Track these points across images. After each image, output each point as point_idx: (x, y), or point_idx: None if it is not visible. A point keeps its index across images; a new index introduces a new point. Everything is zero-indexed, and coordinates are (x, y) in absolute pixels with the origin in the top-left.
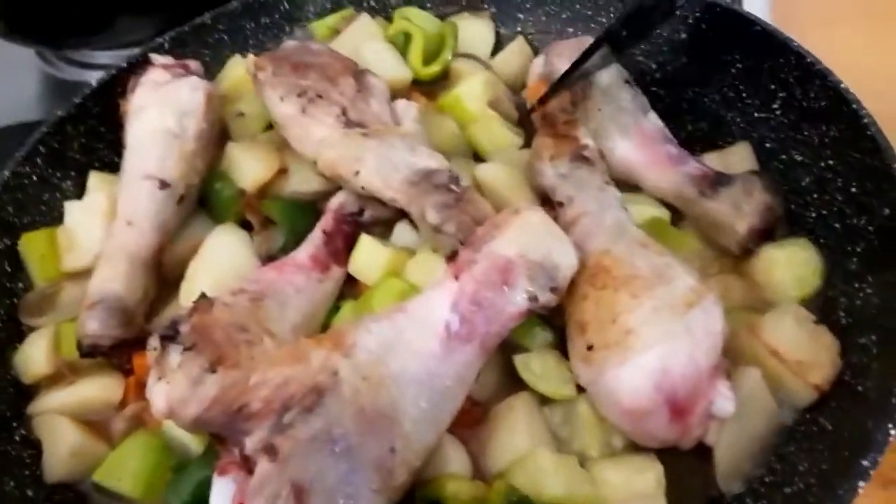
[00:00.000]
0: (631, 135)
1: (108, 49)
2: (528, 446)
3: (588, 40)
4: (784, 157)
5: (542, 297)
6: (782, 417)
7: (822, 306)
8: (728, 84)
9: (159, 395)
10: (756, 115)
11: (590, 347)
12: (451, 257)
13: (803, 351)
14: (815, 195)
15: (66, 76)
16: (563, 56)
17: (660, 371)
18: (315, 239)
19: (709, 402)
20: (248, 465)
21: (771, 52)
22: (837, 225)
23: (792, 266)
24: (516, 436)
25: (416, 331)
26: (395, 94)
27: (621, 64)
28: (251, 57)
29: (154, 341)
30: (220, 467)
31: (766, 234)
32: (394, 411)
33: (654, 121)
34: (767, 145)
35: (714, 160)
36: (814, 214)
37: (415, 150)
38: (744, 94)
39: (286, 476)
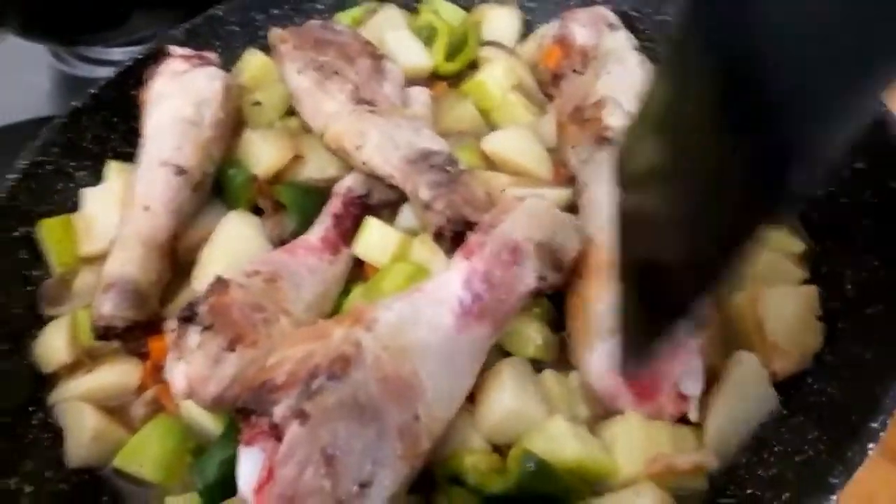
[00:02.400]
0: (636, 97)
1: (121, 45)
2: (518, 405)
3: (604, 10)
4: None
5: (549, 276)
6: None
7: (828, 277)
8: None
9: (179, 374)
10: None
11: (568, 334)
12: (438, 236)
13: (783, 337)
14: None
15: (79, 73)
16: (579, 22)
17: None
18: (324, 222)
19: (673, 383)
20: (277, 433)
21: None
22: (845, 199)
23: None
24: (505, 393)
25: (432, 307)
26: (417, 81)
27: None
28: (276, 30)
29: (172, 323)
30: (245, 438)
31: None
32: (416, 379)
33: None
34: None
35: None
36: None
37: (419, 131)
38: None
39: (316, 440)
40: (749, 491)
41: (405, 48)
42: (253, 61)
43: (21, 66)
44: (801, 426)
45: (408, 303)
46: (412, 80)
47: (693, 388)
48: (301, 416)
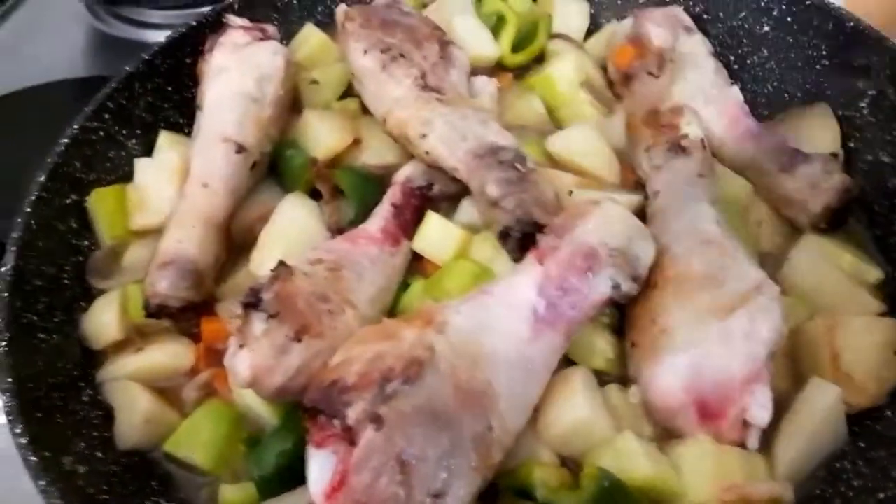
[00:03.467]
0: (716, 103)
1: (164, 8)
2: (588, 414)
3: (679, 11)
4: (870, 157)
5: (624, 285)
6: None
7: None
8: (811, 81)
9: (243, 363)
10: (840, 112)
11: (632, 345)
12: (504, 236)
13: (860, 371)
14: None
15: (117, 32)
16: (654, 22)
17: (689, 374)
18: (384, 212)
19: (741, 409)
20: (350, 436)
21: (862, 49)
22: None
23: None
24: (576, 402)
25: (504, 313)
26: (480, 71)
27: None
28: (342, 6)
29: (236, 308)
30: (316, 440)
31: (840, 214)
32: (490, 389)
33: (737, 93)
34: (851, 144)
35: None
36: None
37: (486, 124)
38: (828, 92)
39: (392, 447)
40: None
41: (472, 35)
42: (311, 38)
43: (56, 21)
44: (882, 462)
45: (479, 306)
46: (476, 70)
47: (761, 418)
48: (377, 420)
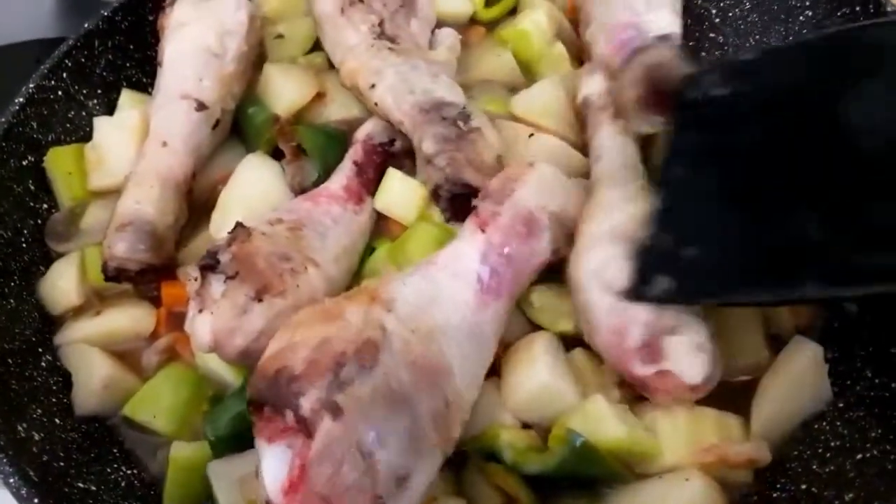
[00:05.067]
0: (603, 31)
1: None
2: (549, 379)
3: None
4: None
5: (563, 248)
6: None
7: None
8: (794, 33)
9: (203, 326)
10: None
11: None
12: (434, 193)
13: None
14: None
15: None
16: None
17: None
18: (346, 170)
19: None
20: (305, 428)
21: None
22: None
23: None
24: (536, 366)
25: (450, 283)
26: (453, 26)
27: None
28: None
29: (193, 271)
30: (267, 434)
31: (653, 98)
32: (444, 362)
33: (633, 4)
34: None
35: None
36: None
37: (437, 78)
38: None
39: (352, 435)
40: (804, 486)
41: None
42: None
43: None
44: (861, 422)
45: (424, 278)
46: (447, 24)
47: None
48: (334, 409)
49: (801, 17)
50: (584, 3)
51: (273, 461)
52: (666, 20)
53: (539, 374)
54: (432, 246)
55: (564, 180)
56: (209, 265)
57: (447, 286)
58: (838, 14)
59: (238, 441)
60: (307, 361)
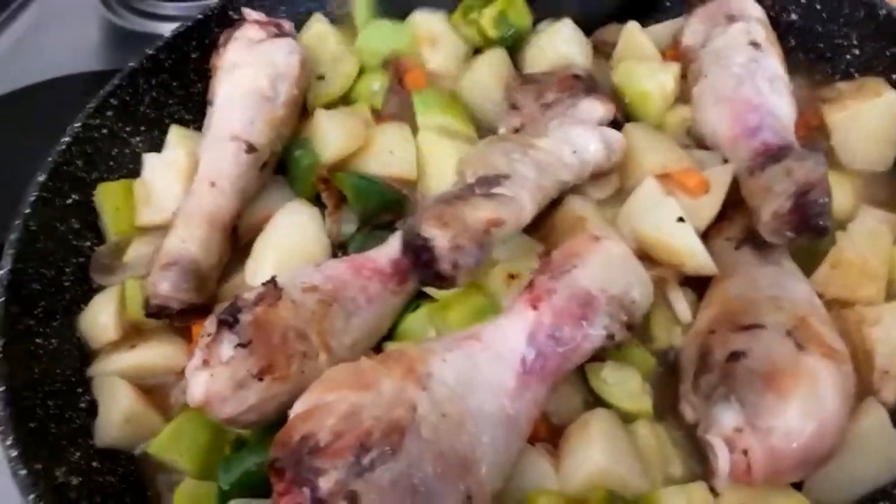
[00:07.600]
0: (723, 104)
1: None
2: (606, 462)
3: None
4: None
5: (618, 335)
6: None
7: None
8: (840, 71)
9: (199, 383)
10: None
11: None
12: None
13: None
14: None
15: (130, 25)
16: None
17: None
18: (397, 244)
19: None
20: None
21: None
22: None
23: None
24: (592, 448)
25: (491, 363)
26: None
27: None
28: None
29: (210, 324)
30: (283, 502)
31: (802, 221)
32: (472, 453)
33: (752, 91)
34: None
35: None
36: None
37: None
38: None
39: None
40: None
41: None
42: (316, 28)
43: (70, 15)
44: None
45: (465, 356)
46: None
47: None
48: (352, 498)
49: (847, 56)
50: (692, 53)
51: None
52: (786, 110)
53: (595, 457)
54: (475, 316)
55: (631, 260)
56: (227, 322)
57: (488, 369)
58: (886, 54)
59: (244, 492)
60: (333, 432)
